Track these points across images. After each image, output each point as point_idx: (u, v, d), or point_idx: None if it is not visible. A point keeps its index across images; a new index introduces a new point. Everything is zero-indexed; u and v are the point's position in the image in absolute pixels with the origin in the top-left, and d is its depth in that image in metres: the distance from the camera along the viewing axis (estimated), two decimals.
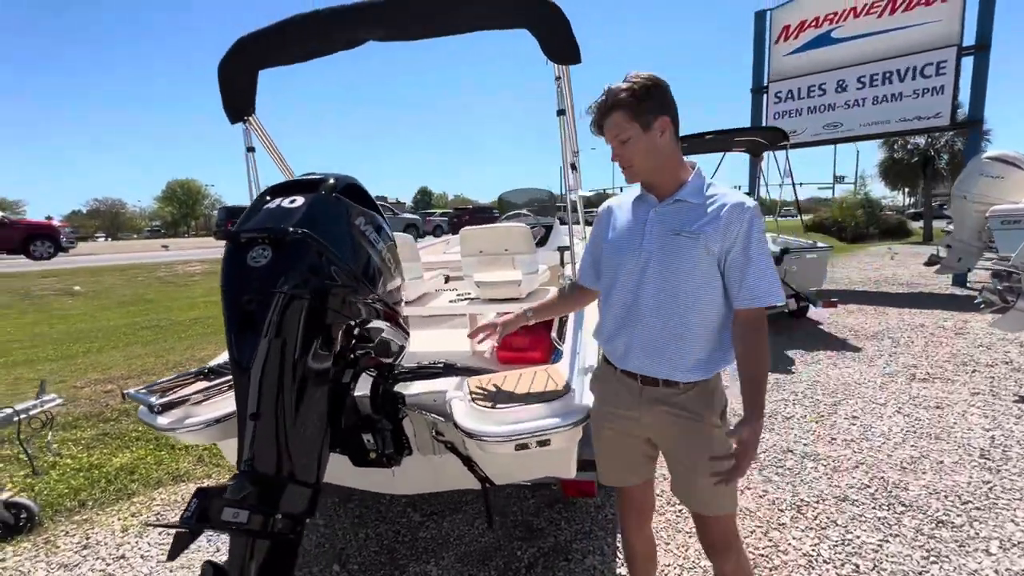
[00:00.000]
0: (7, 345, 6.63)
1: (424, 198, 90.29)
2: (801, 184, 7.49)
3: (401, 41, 2.09)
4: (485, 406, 1.60)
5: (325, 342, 1.48)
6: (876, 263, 13.10)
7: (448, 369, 1.93)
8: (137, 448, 3.40)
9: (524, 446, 1.56)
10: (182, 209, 62.46)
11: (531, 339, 2.94)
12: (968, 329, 5.85)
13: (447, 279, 3.80)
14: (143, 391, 1.89)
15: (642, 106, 1.28)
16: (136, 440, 3.51)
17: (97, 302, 10.12)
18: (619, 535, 2.30)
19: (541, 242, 3.81)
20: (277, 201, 1.51)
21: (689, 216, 1.32)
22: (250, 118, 2.43)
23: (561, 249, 3.21)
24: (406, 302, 3.02)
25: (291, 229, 1.39)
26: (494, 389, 1.72)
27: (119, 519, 2.68)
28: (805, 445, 3.15)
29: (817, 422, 3.48)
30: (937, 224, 20.11)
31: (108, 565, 2.30)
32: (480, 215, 20.16)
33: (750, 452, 1.27)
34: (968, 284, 8.76)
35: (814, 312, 6.03)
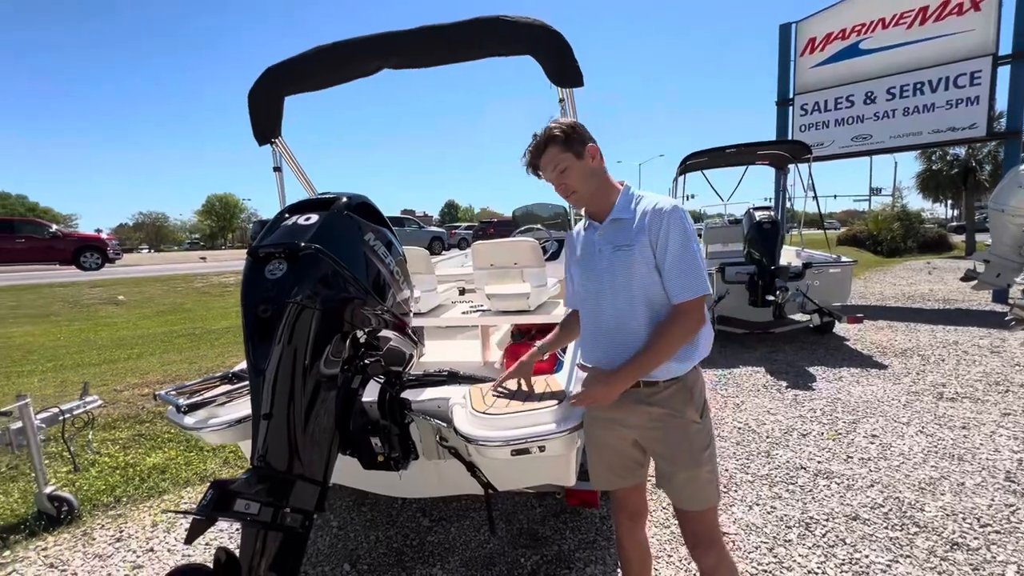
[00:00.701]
0: (58, 350, 7.07)
1: (450, 211, 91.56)
2: (836, 196, 7.36)
3: (413, 69, 2.23)
4: (483, 412, 1.68)
5: (335, 349, 1.59)
6: (911, 278, 12.64)
7: (452, 377, 2.03)
8: (169, 449, 3.60)
9: (520, 451, 1.63)
10: (220, 222, 65.01)
11: None
12: (1005, 347, 5.61)
13: (463, 291, 3.92)
14: (172, 392, 2.05)
15: (571, 138, 1.48)
16: (168, 441, 3.71)
17: (138, 311, 10.67)
18: None
19: (554, 256, 3.90)
20: (294, 219, 1.64)
21: (624, 230, 1.48)
22: (277, 140, 2.62)
23: None
24: (421, 313, 3.14)
25: (304, 244, 1.51)
26: (494, 396, 1.80)
27: (150, 515, 2.85)
28: (819, 463, 3.10)
29: (834, 440, 3.42)
30: (980, 237, 19.25)
31: (138, 557, 2.46)
32: (504, 228, 20.39)
33: (586, 397, 1.49)
34: (1009, 300, 8.38)
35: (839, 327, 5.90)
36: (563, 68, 2.11)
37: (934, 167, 21.79)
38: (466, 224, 34.82)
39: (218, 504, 1.32)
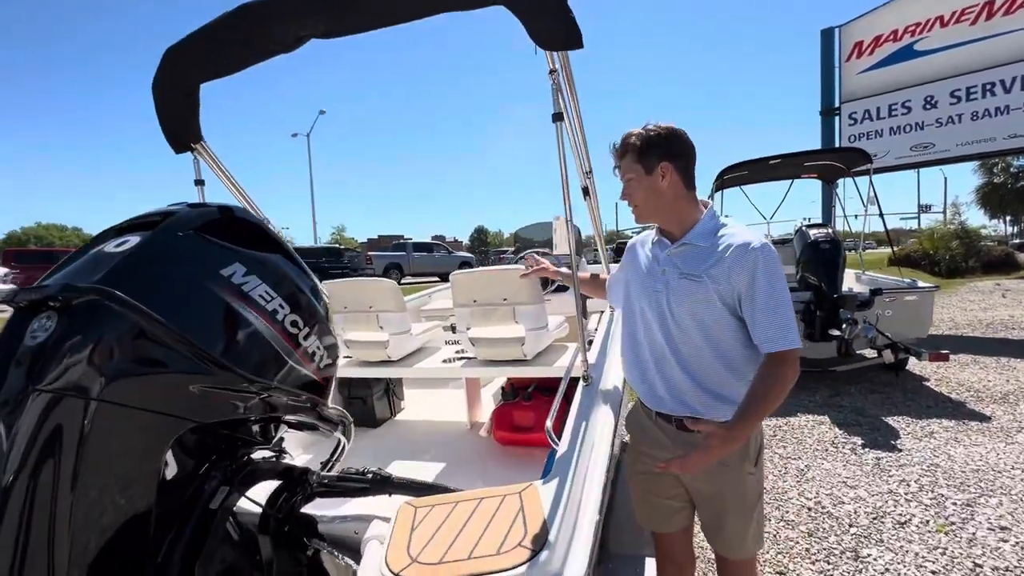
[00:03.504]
0: None
1: (480, 236, 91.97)
2: (880, 214, 6.44)
3: (347, 35, 1.64)
4: (399, 573, 0.99)
5: (151, 460, 0.94)
6: (984, 301, 11.24)
7: (379, 484, 1.33)
8: None
9: None
10: None
11: (536, 417, 2.31)
12: None
13: (455, 329, 3.26)
14: None
15: (647, 151, 1.38)
16: None
17: None
18: None
19: (562, 287, 3.20)
20: (103, 245, 1.03)
21: (695, 259, 1.37)
22: (198, 146, 2.06)
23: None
24: (391, 361, 2.49)
25: (82, 287, 0.88)
26: (432, 530, 1.11)
27: None
28: (935, 574, 2.22)
29: (946, 532, 2.53)
30: None
31: None
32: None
33: (704, 457, 1.24)
34: None
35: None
36: (551, 23, 1.47)
37: (996, 180, 20.05)
38: (513, 248, 34.39)
39: None
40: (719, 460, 1.30)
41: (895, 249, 7.12)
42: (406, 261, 20.91)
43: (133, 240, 1.02)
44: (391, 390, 2.84)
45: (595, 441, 1.44)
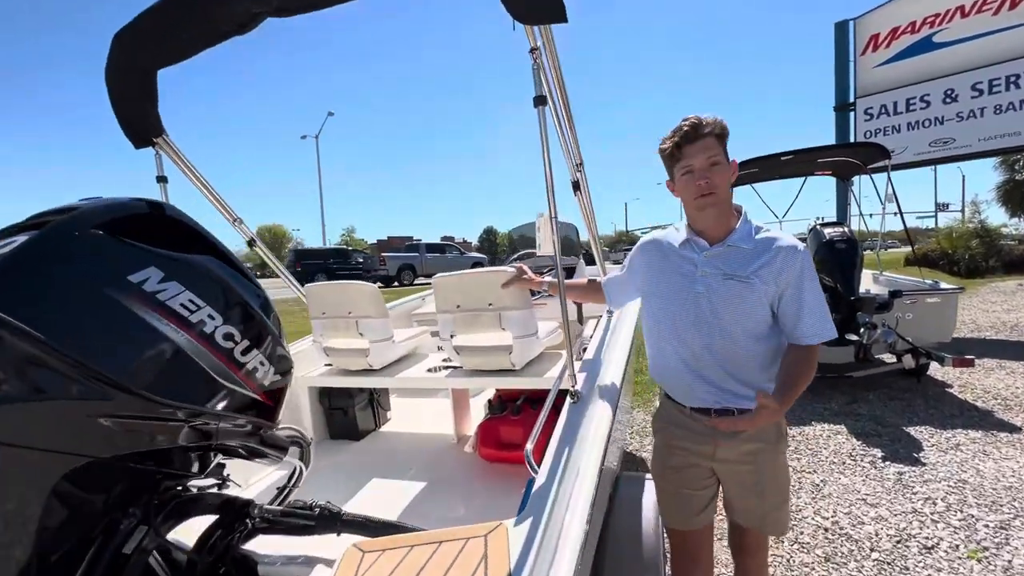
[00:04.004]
0: None
1: (489, 237, 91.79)
2: (896, 213, 6.15)
3: (300, 13, 1.48)
4: None
5: (22, 505, 0.79)
6: (1007, 303, 10.85)
7: (326, 520, 1.17)
8: None
9: None
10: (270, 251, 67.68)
11: (523, 433, 2.13)
12: None
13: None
14: None
15: (726, 143, 1.40)
16: None
17: None
18: None
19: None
20: None
21: (741, 260, 1.38)
22: (159, 140, 1.91)
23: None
24: (372, 370, 2.33)
25: None
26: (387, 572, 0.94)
27: None
28: None
29: (979, 559, 2.31)
30: None
31: None
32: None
33: (754, 420, 1.27)
34: None
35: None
36: None
37: (1017, 177, 19.46)
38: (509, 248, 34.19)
39: None
40: (759, 443, 1.42)
41: (915, 248, 6.81)
42: (419, 262, 20.86)
43: (18, 240, 0.86)
44: (375, 400, 2.68)
45: (580, 467, 1.27)
